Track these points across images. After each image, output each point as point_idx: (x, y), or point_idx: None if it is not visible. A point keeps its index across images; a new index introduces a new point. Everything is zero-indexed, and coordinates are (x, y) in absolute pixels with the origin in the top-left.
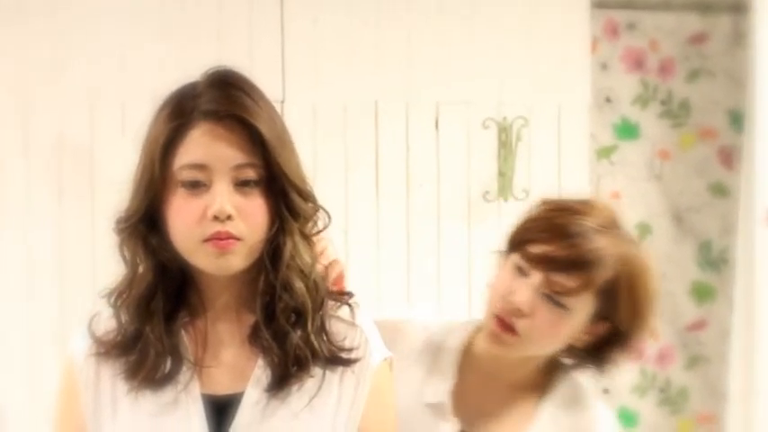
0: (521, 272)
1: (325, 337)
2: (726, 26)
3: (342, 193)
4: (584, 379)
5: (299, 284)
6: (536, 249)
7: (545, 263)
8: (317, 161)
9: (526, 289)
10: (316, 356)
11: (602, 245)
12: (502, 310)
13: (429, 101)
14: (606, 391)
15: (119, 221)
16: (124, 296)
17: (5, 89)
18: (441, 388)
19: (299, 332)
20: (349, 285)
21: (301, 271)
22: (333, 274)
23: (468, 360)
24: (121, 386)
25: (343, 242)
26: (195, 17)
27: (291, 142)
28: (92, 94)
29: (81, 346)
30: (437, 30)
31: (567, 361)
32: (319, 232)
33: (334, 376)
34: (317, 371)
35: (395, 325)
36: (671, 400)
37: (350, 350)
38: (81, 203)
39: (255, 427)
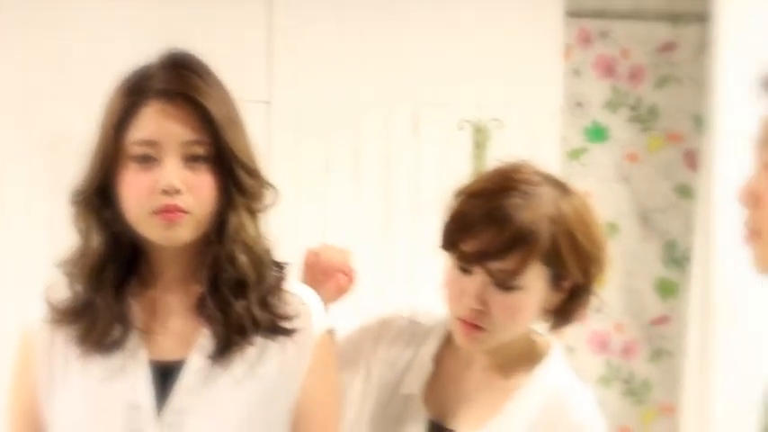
0: (463, 270)
1: (267, 308)
2: (693, 36)
3: (323, 193)
4: (569, 374)
5: (243, 257)
6: (467, 247)
7: (478, 258)
8: (300, 160)
9: (473, 287)
10: (257, 326)
11: (526, 217)
12: (461, 313)
13: (408, 104)
14: None
15: (74, 194)
16: (77, 265)
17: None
18: (416, 379)
19: (242, 302)
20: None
21: (246, 244)
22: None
23: (448, 348)
24: (73, 351)
25: (324, 240)
26: (184, 20)
27: (242, 122)
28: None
29: (36, 313)
30: (417, 37)
31: (540, 325)
32: (267, 208)
33: (275, 346)
34: (258, 340)
35: (384, 316)
36: (634, 390)
37: (291, 321)
38: None
39: (198, 391)
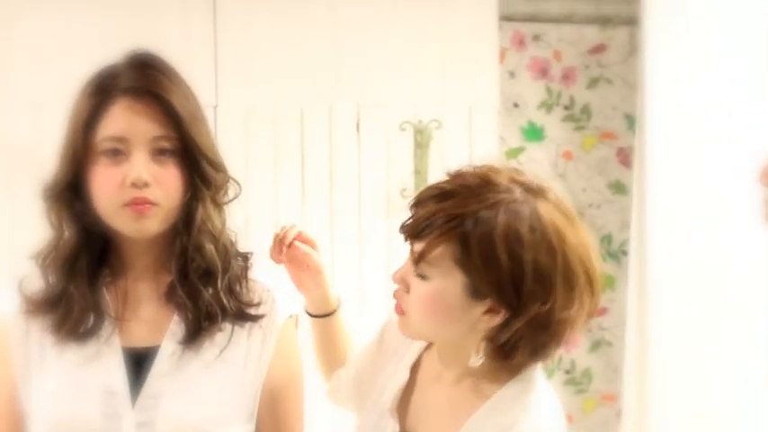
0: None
1: (233, 295)
2: (622, 38)
3: (271, 192)
4: (541, 392)
5: (209, 247)
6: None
7: (403, 233)
8: (248, 162)
9: (402, 267)
10: (225, 312)
11: (437, 207)
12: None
13: (351, 105)
14: None
15: (46, 189)
16: (51, 257)
17: None
18: (392, 388)
19: (210, 290)
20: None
21: (212, 234)
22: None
23: (426, 358)
24: (49, 340)
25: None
26: (129, 20)
27: (204, 119)
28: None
29: (10, 305)
30: (358, 41)
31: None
32: (230, 201)
33: (242, 331)
34: (226, 325)
35: (385, 324)
36: (576, 380)
37: (256, 307)
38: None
39: (171, 376)
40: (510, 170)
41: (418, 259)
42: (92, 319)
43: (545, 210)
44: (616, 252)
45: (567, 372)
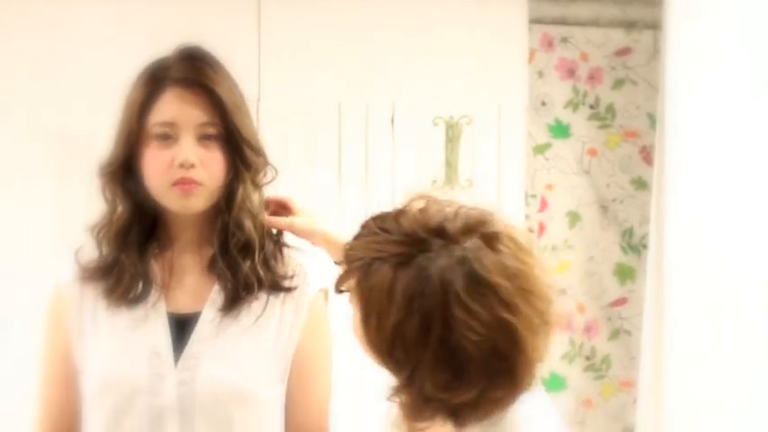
0: None
1: (269, 268)
2: (647, 41)
3: (308, 185)
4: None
5: (248, 224)
6: None
7: None
8: (287, 153)
9: None
10: (261, 283)
11: (354, 245)
12: None
13: (386, 101)
14: None
15: (102, 168)
16: (105, 230)
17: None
18: None
19: (248, 263)
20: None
21: (251, 212)
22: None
23: None
24: (101, 305)
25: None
26: (176, 16)
27: (247, 108)
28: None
29: (67, 272)
30: (394, 40)
31: None
32: (268, 183)
33: (277, 301)
34: (262, 295)
35: None
36: (595, 366)
37: (290, 279)
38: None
39: (211, 339)
40: (437, 214)
41: (336, 286)
42: (140, 286)
43: (445, 272)
44: (637, 245)
45: (588, 358)
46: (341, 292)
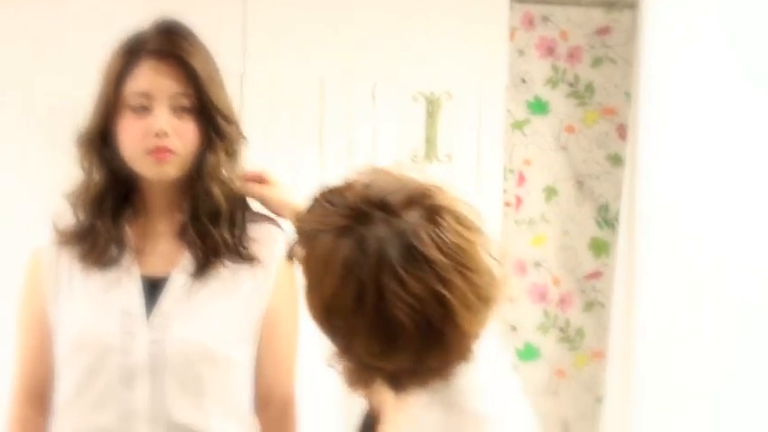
0: None
1: (237, 235)
2: (626, 21)
3: (291, 158)
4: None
5: (218, 192)
6: None
7: None
8: (271, 127)
9: None
10: (229, 249)
11: (303, 218)
12: None
13: (368, 77)
14: (514, 328)
15: (79, 137)
16: (81, 197)
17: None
18: None
19: (217, 229)
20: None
21: (221, 181)
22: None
23: None
24: (77, 268)
25: None
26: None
27: (221, 80)
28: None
29: (45, 237)
30: (377, 17)
31: None
32: (240, 153)
33: (246, 266)
34: (231, 260)
35: None
36: (569, 338)
37: (258, 245)
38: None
39: (181, 300)
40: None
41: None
42: (114, 250)
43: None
44: (612, 220)
45: (562, 329)
46: (293, 261)
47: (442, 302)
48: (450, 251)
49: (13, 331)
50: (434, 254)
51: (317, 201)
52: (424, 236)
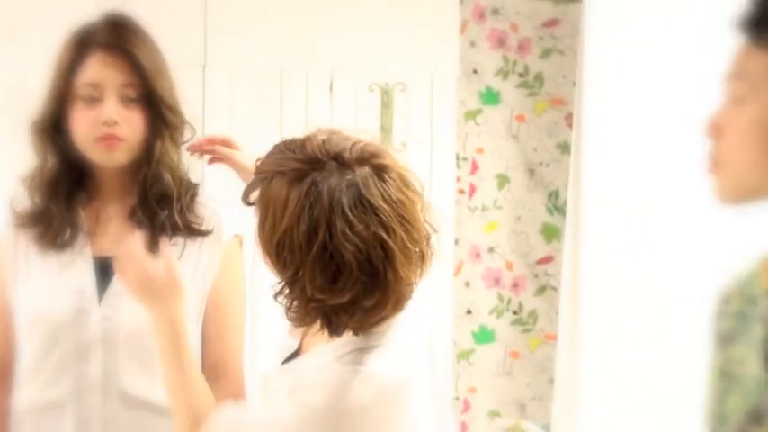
0: None
1: (184, 216)
2: (573, 13)
3: (252, 147)
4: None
5: (166, 176)
6: None
7: None
8: (232, 117)
9: None
10: (177, 229)
11: (263, 161)
12: None
13: (325, 68)
14: (469, 312)
15: (33, 124)
16: (36, 181)
17: None
18: None
19: (165, 212)
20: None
21: (169, 166)
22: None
23: None
24: (33, 249)
25: None
26: None
27: (167, 71)
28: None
29: (2, 220)
30: (333, 10)
31: None
32: (185, 142)
33: (194, 246)
34: (179, 240)
35: None
36: (522, 320)
37: (205, 225)
38: None
39: None
40: (336, 138)
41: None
42: (68, 232)
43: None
44: (562, 206)
45: (515, 312)
46: (248, 204)
47: (383, 246)
48: (393, 204)
49: None
50: (380, 203)
51: (276, 147)
52: (373, 187)
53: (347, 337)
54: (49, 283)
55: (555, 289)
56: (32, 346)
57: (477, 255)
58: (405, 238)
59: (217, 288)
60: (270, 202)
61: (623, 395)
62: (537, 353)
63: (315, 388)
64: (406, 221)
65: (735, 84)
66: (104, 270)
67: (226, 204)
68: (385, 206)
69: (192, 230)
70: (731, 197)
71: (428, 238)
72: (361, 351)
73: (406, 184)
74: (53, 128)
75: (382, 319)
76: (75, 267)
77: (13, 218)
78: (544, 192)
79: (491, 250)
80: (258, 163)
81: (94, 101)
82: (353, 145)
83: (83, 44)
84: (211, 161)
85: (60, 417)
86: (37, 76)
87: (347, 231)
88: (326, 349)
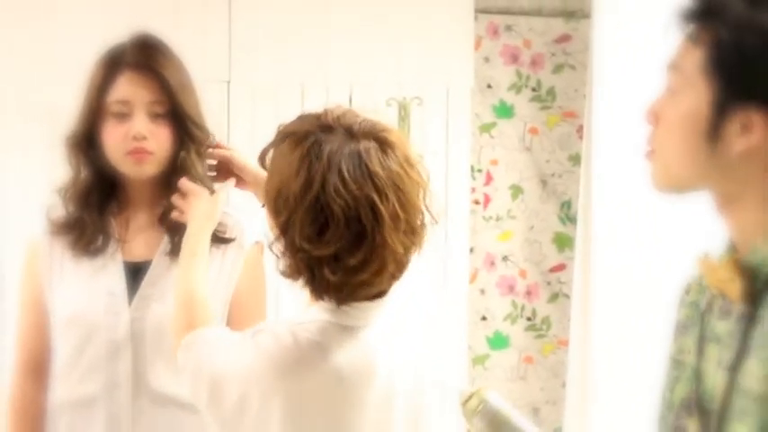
0: None
1: None
2: (584, 29)
3: None
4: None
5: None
6: None
7: None
8: (255, 131)
9: None
10: None
11: (283, 125)
12: None
13: (345, 83)
14: (484, 318)
15: (66, 139)
16: (70, 192)
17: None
18: None
19: None
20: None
21: (195, 177)
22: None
23: None
24: (68, 255)
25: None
26: (152, 6)
27: (193, 88)
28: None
29: (39, 227)
30: (353, 28)
31: None
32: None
33: (218, 251)
34: None
35: None
36: (536, 326)
37: (229, 232)
38: None
39: (160, 283)
40: (348, 114)
41: (259, 159)
42: (100, 239)
43: (335, 149)
44: (574, 216)
45: (529, 319)
46: (264, 165)
47: (373, 208)
48: (391, 174)
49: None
50: (378, 170)
51: (297, 116)
52: (374, 156)
53: (328, 304)
54: (83, 287)
55: (567, 296)
56: (67, 345)
57: (492, 263)
58: (396, 206)
59: (239, 291)
60: (277, 157)
61: (633, 398)
62: (550, 358)
63: (267, 334)
64: (401, 192)
65: (672, 75)
66: (134, 274)
67: (248, 214)
68: (381, 173)
69: (215, 238)
70: (662, 185)
71: (422, 217)
72: (328, 328)
73: (410, 164)
74: (86, 142)
75: (364, 284)
76: (107, 272)
77: (48, 226)
78: (556, 202)
79: (505, 259)
80: (280, 127)
81: (125, 117)
82: (365, 120)
83: (113, 64)
84: (215, 179)
85: (92, 411)
86: (71, 93)
87: (340, 187)
88: (308, 311)
